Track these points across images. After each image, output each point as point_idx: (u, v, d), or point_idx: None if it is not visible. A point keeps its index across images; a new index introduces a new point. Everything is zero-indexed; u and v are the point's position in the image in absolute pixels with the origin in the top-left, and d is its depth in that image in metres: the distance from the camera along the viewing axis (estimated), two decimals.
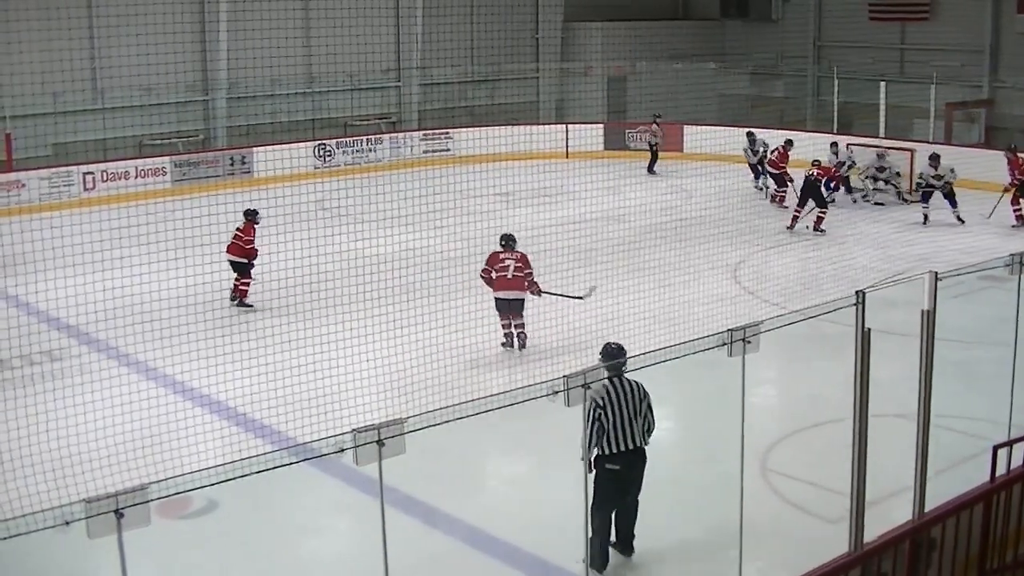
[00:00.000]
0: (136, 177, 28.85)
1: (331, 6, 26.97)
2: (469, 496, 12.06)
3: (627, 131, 33.68)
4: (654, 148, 32.15)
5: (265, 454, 6.82)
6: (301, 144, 31.45)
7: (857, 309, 8.02)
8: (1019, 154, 25.00)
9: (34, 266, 17.14)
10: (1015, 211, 24.68)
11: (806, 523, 11.02)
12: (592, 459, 9.77)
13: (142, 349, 15.80)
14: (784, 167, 27.03)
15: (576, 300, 16.93)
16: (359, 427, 6.50)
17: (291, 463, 6.69)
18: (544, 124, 36.06)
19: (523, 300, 16.41)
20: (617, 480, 9.95)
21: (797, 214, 24.23)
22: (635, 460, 10.03)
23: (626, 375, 9.96)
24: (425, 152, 33.84)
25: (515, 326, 16.42)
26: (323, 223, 21.61)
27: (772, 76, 39.73)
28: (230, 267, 19.17)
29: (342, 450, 6.49)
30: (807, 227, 24.15)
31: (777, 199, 27.24)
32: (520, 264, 16.35)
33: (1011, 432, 10.64)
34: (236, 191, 25.05)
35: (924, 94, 31.17)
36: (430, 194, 20.72)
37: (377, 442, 6.47)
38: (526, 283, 16.33)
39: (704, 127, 33.00)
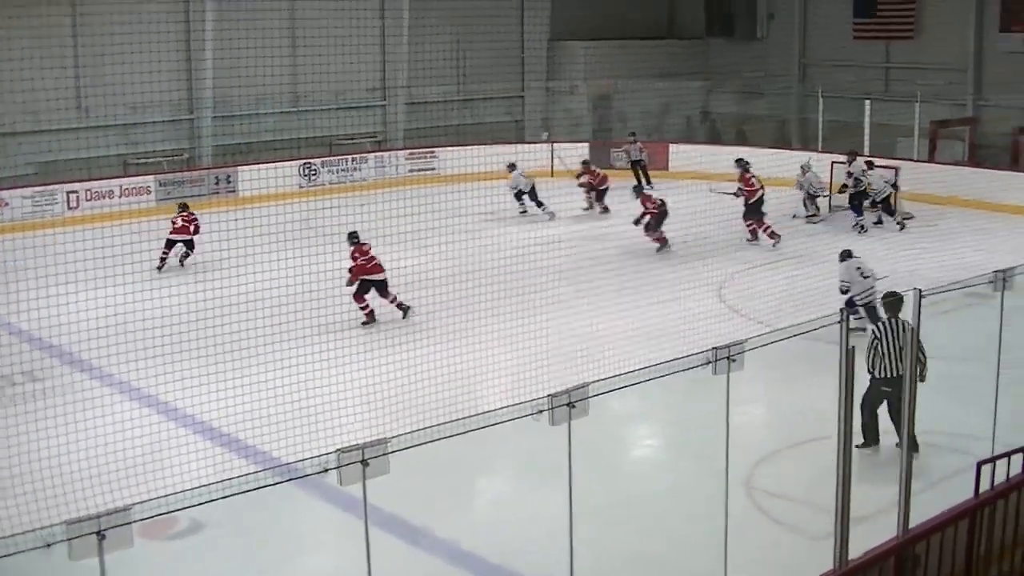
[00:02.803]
0: (120, 196, 28.77)
1: (317, 25, 26.98)
2: (453, 515, 12.03)
3: (612, 149, 33.68)
4: (636, 166, 32.10)
5: (250, 474, 6.80)
6: (286, 163, 31.25)
7: (841, 327, 8.04)
8: (748, 172, 25.02)
9: (16, 285, 17.05)
10: (748, 226, 24.93)
11: (791, 541, 11.02)
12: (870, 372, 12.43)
13: (126, 369, 15.70)
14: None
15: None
16: (343, 447, 6.49)
17: (276, 483, 6.68)
18: (530, 143, 36.02)
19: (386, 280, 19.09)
20: (886, 396, 12.17)
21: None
22: (899, 383, 11.45)
23: (902, 317, 12.32)
24: (411, 171, 33.86)
25: (391, 299, 18.95)
26: (308, 242, 21.57)
27: (757, 95, 39.78)
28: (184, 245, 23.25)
29: (326, 470, 6.49)
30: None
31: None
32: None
33: (995, 448, 10.68)
34: (221, 210, 24.96)
35: (909, 112, 31.27)
36: (415, 213, 20.70)
37: (361, 462, 6.47)
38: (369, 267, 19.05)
39: (688, 145, 33.10)
